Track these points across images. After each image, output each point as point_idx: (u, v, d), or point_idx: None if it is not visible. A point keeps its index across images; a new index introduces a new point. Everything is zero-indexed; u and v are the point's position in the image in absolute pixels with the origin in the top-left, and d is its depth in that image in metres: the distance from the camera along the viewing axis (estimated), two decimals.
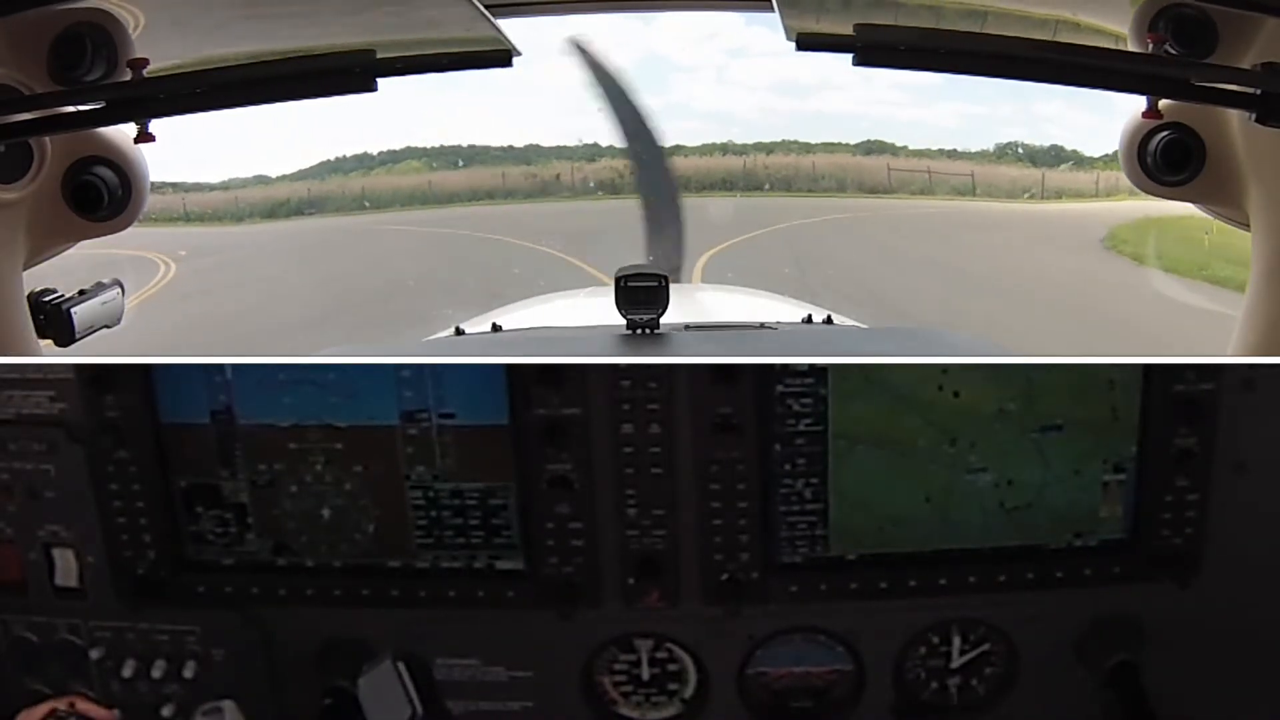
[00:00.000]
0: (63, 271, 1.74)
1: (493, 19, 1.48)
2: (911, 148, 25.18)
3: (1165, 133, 1.65)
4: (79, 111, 1.48)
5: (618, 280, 2.37)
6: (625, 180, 24.36)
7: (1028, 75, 1.38)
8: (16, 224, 1.60)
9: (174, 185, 21.69)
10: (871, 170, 24.75)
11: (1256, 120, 1.37)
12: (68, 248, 1.71)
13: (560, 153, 25.06)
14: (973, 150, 24.37)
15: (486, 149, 26.04)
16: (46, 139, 1.60)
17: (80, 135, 1.65)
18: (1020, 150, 23.96)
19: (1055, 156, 22.40)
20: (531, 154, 25.45)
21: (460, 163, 25.58)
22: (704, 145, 26.30)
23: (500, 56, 1.49)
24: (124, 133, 1.66)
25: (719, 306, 3.80)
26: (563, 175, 24.77)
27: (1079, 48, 1.47)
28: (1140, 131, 1.68)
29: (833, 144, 25.91)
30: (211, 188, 23.02)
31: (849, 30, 1.36)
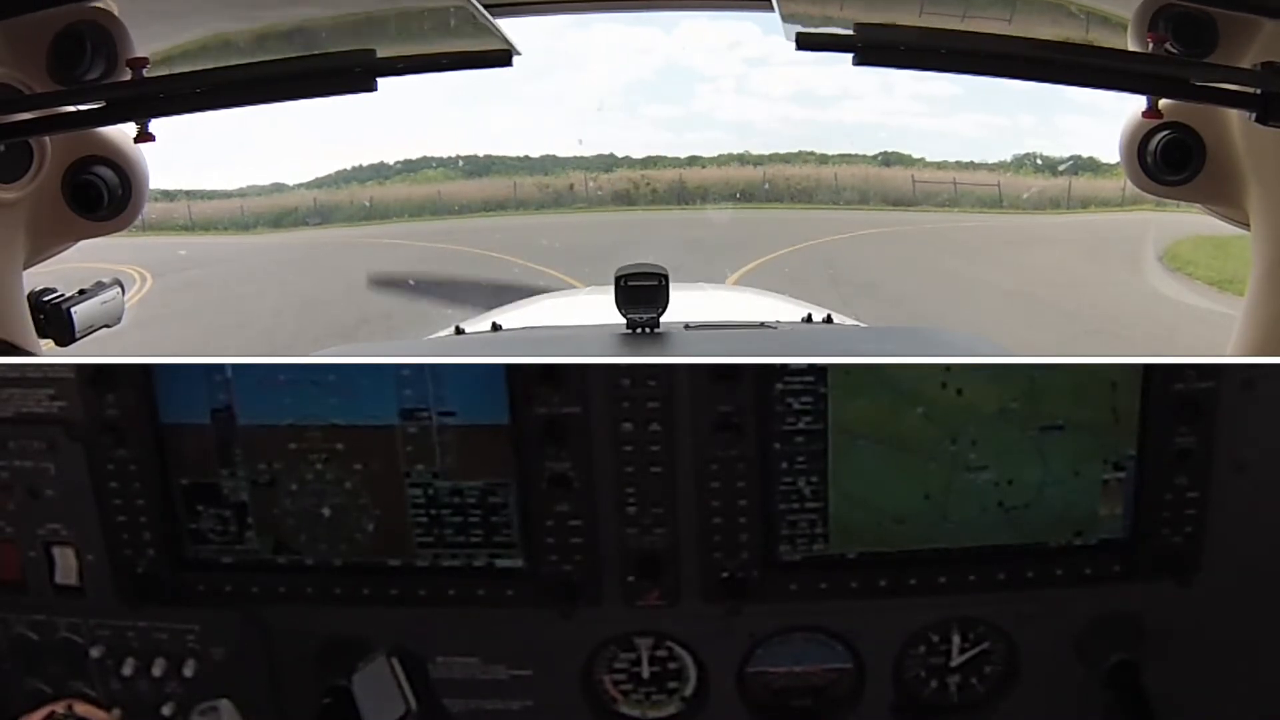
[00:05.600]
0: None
1: (492, 19, 1.48)
2: (929, 159, 25.17)
3: (1165, 132, 1.66)
4: (79, 111, 1.48)
5: (617, 279, 2.38)
6: (640, 191, 24.42)
7: (1027, 75, 1.38)
8: (16, 224, 1.60)
9: (187, 192, 21.75)
10: (893, 181, 24.61)
11: (1256, 120, 1.37)
12: (68, 247, 1.71)
13: (576, 163, 25.04)
14: (990, 161, 24.28)
15: (503, 159, 26.08)
16: (46, 139, 1.60)
17: (80, 135, 1.65)
18: (1039, 161, 23.87)
19: (1074, 166, 22.30)
20: (548, 164, 25.45)
21: (474, 173, 25.57)
22: (721, 155, 26.33)
23: (500, 56, 1.49)
24: (124, 132, 1.66)
25: (719, 306, 3.80)
26: (576, 185, 24.75)
27: (1079, 47, 1.48)
28: (1140, 131, 1.68)
29: (850, 155, 25.89)
30: (228, 195, 23.10)
31: (849, 30, 1.36)
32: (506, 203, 24.28)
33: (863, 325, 3.33)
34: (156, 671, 1.52)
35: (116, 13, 1.54)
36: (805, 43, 1.39)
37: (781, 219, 21.99)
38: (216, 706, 1.42)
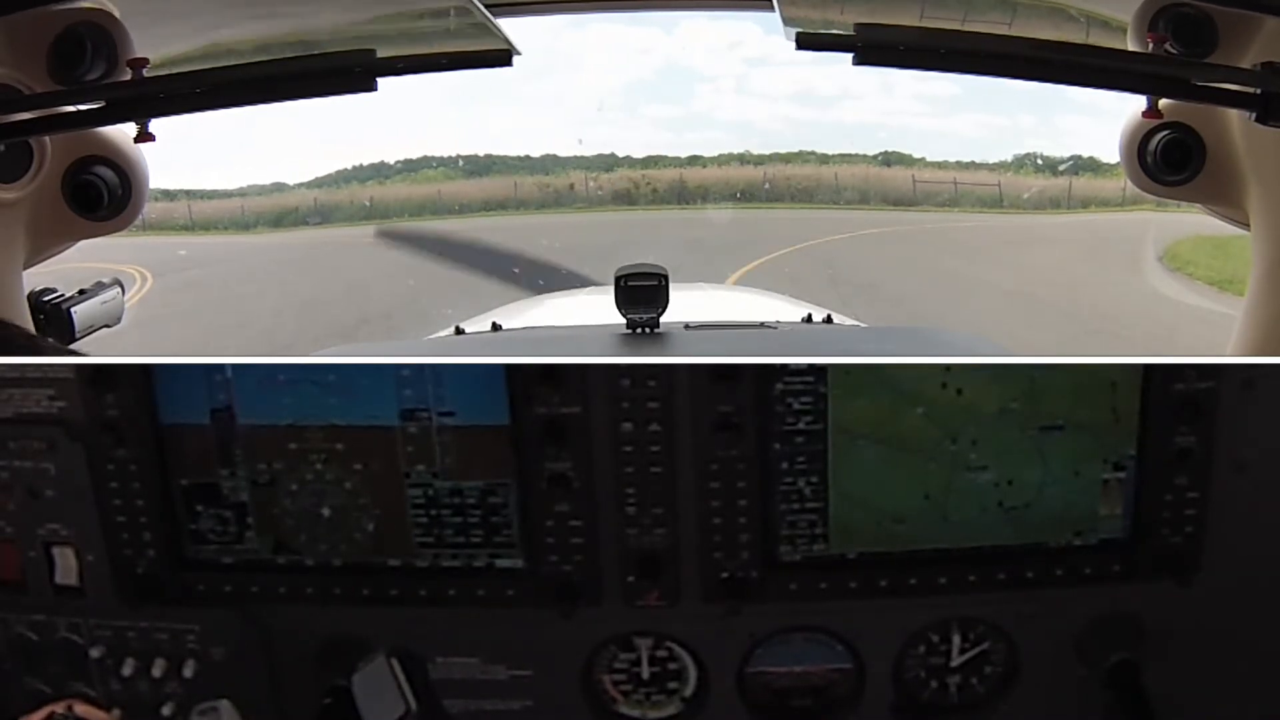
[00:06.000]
0: None
1: (492, 18, 1.48)
2: (929, 159, 25.24)
3: (1165, 132, 1.66)
4: (79, 111, 1.48)
5: (617, 279, 2.38)
6: (640, 191, 24.46)
7: (1028, 75, 1.39)
8: (16, 224, 1.60)
9: (187, 192, 21.80)
10: (893, 181, 24.67)
11: (1256, 120, 1.37)
12: (68, 247, 1.72)
13: (577, 163, 25.10)
14: (991, 161, 24.35)
15: (503, 159, 26.14)
16: (46, 139, 1.60)
17: (80, 135, 1.65)
18: (1039, 161, 23.92)
19: (1074, 166, 22.35)
20: (548, 164, 25.49)
21: (475, 173, 25.62)
22: (721, 155, 26.38)
23: (500, 56, 1.49)
24: (124, 132, 1.66)
25: (719, 305, 3.81)
26: (576, 185, 24.78)
27: (1079, 47, 1.48)
28: (1140, 131, 1.68)
29: (850, 155, 25.98)
30: (228, 194, 23.17)
31: (850, 30, 1.36)
32: (507, 202, 24.30)
33: (863, 325, 3.33)
34: (156, 672, 1.52)
35: (117, 15, 1.54)
36: (805, 42, 1.39)
37: (782, 219, 22.01)
38: (216, 707, 1.42)
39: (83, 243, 1.74)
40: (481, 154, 26.38)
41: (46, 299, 1.69)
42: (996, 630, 1.52)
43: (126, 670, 1.53)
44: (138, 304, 13.23)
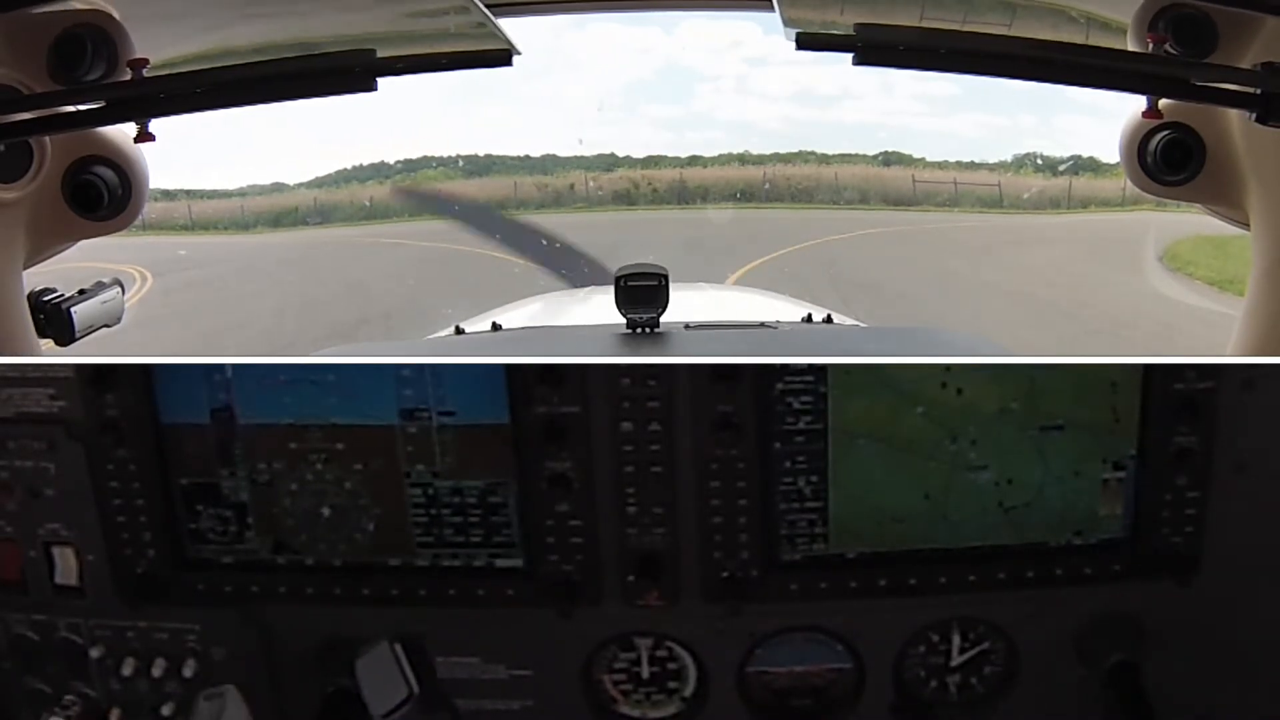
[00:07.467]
0: None
1: (493, 18, 1.48)
2: (929, 159, 25.28)
3: (1165, 132, 1.65)
4: (79, 111, 1.48)
5: (617, 279, 2.38)
6: (640, 191, 24.49)
7: (1027, 75, 1.38)
8: (16, 224, 1.60)
9: (187, 192, 21.82)
10: (894, 181, 24.71)
11: (1256, 120, 1.37)
12: (68, 247, 1.71)
13: (577, 163, 25.13)
14: (991, 161, 24.39)
15: (503, 159, 26.17)
16: (46, 139, 1.60)
17: (80, 135, 1.65)
18: (1039, 161, 23.96)
19: (1074, 166, 22.38)
20: (548, 164, 25.53)
21: (474, 173, 25.64)
22: (721, 155, 26.41)
23: (500, 56, 1.49)
24: (124, 132, 1.66)
25: (719, 305, 3.80)
26: (576, 185, 24.82)
27: (1079, 47, 1.48)
28: (1140, 131, 1.68)
29: (850, 155, 26.03)
30: (228, 194, 23.20)
31: (850, 30, 1.36)
32: (507, 202, 24.28)
33: (863, 325, 3.33)
34: (156, 672, 1.52)
35: (117, 16, 1.54)
36: (805, 42, 1.39)
37: (782, 219, 22.01)
38: (222, 692, 1.42)
39: (83, 243, 1.73)
40: (481, 154, 26.44)
41: (46, 299, 1.69)
42: (996, 630, 1.52)
43: (126, 670, 1.53)
44: (137, 304, 13.26)
